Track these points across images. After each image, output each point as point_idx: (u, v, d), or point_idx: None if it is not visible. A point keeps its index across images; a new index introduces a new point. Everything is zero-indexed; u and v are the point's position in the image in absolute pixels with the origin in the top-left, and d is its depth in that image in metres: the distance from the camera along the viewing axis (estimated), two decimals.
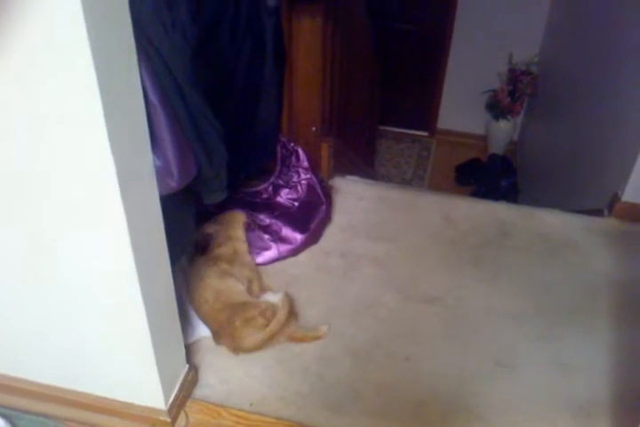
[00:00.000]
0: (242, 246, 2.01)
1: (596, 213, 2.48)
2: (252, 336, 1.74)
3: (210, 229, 2.02)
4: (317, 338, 1.83)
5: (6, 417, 1.56)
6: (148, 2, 1.13)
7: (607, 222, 2.42)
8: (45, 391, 1.61)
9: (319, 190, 2.28)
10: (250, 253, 2.04)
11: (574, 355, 1.82)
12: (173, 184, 1.28)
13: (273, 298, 1.85)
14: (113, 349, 1.47)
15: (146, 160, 1.21)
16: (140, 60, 1.09)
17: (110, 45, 0.99)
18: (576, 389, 1.72)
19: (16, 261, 1.33)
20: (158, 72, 1.18)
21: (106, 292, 1.33)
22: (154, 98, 1.16)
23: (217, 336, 1.79)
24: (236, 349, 1.76)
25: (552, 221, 2.42)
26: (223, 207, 2.09)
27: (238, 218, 2.05)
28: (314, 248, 2.22)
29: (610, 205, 2.44)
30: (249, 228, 2.07)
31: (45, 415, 1.60)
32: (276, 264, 2.13)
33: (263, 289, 1.96)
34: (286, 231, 2.16)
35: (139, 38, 1.07)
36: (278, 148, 2.22)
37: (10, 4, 0.91)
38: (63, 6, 0.90)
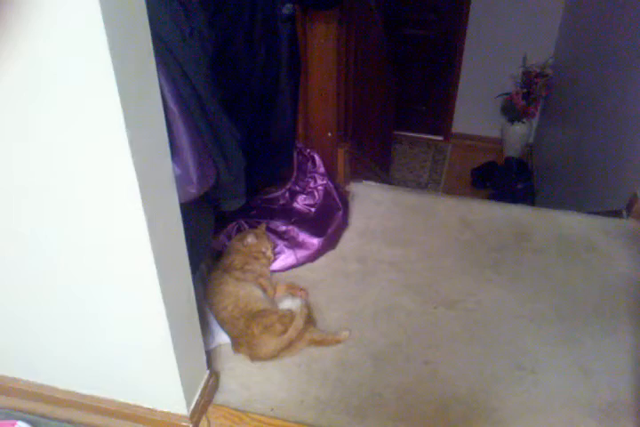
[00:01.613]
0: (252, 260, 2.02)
1: (615, 213, 2.46)
2: (269, 344, 1.74)
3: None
4: (338, 342, 1.83)
5: (31, 423, 1.58)
6: (166, 12, 1.15)
7: (626, 223, 2.40)
8: (69, 398, 1.63)
9: (336, 196, 2.29)
10: (260, 262, 2.04)
11: (595, 357, 1.81)
12: (193, 191, 1.30)
13: (291, 305, 1.85)
14: (135, 355, 1.48)
15: (166, 167, 1.22)
16: (158, 68, 1.11)
17: (129, 54, 1.01)
18: (598, 392, 1.70)
19: (37, 271, 1.35)
20: (176, 80, 1.20)
21: (128, 299, 1.34)
22: (173, 105, 1.18)
23: (236, 344, 1.80)
24: (254, 356, 1.77)
25: (570, 223, 2.41)
26: (241, 214, 2.10)
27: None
28: (331, 253, 2.23)
29: (628, 206, 2.42)
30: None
31: (69, 421, 1.62)
32: (294, 270, 2.14)
33: (278, 297, 1.97)
34: (303, 237, 2.17)
35: (157, 47, 1.08)
36: (295, 154, 2.23)
37: (28, 16, 0.93)
38: (83, 17, 0.91)
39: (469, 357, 1.82)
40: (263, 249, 2.02)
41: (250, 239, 2.00)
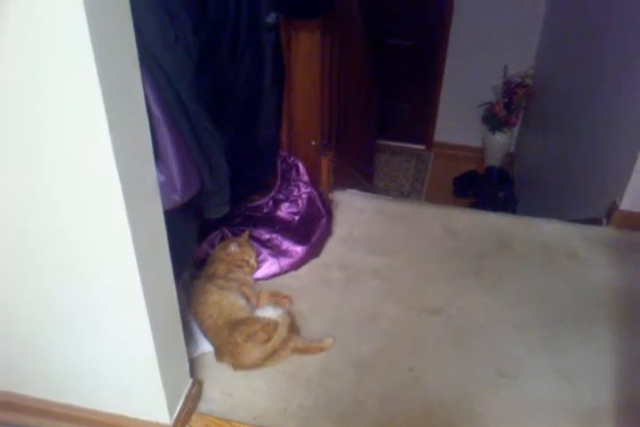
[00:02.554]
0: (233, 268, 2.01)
1: (595, 222, 2.49)
2: (252, 352, 1.74)
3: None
4: (321, 350, 1.83)
5: None
6: (151, 19, 1.15)
7: (606, 231, 2.43)
8: (50, 408, 1.60)
9: (319, 204, 2.30)
10: (243, 271, 2.03)
11: (577, 364, 1.82)
12: (177, 198, 1.30)
13: (272, 313, 1.85)
14: (117, 364, 1.47)
15: (150, 174, 1.22)
16: (143, 75, 1.11)
17: (114, 61, 1.01)
18: (579, 397, 1.72)
19: (18, 279, 1.34)
20: (161, 87, 1.20)
21: (110, 307, 1.33)
22: (157, 112, 1.18)
23: (219, 353, 1.79)
24: (237, 365, 1.76)
25: (551, 230, 2.44)
26: (225, 222, 2.10)
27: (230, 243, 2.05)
28: (315, 262, 2.23)
29: (608, 214, 2.45)
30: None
31: None
32: (278, 278, 2.14)
33: (260, 305, 1.96)
34: (287, 245, 2.17)
35: (142, 54, 1.08)
36: (278, 162, 2.23)
37: (11, 22, 0.93)
38: (69, 23, 0.91)
39: (452, 363, 1.83)
40: (246, 257, 2.01)
41: (233, 248, 2.00)
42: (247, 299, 1.90)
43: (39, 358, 1.54)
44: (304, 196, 2.26)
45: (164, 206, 1.29)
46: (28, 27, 0.94)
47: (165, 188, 1.27)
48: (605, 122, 2.80)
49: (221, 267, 1.96)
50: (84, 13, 0.90)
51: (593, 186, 2.82)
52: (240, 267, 2.00)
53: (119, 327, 1.37)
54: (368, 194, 2.83)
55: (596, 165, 2.82)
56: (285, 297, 2.00)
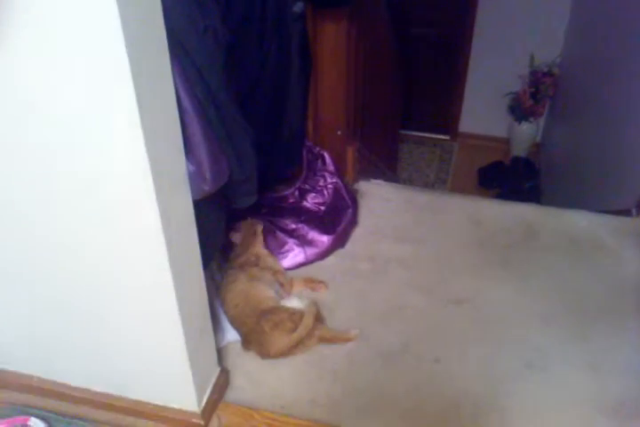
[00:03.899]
0: (262, 252, 2.02)
1: (624, 213, 2.46)
2: (279, 341, 1.75)
3: (231, 236, 2.04)
4: (348, 340, 1.83)
5: (44, 419, 1.59)
6: (181, 9, 1.15)
7: (635, 222, 2.40)
8: (81, 395, 1.64)
9: (345, 194, 2.29)
10: (273, 258, 2.04)
11: (605, 356, 1.81)
12: (206, 188, 1.30)
13: (299, 304, 1.85)
14: (147, 353, 1.49)
15: (180, 164, 1.23)
16: (172, 65, 1.11)
17: (145, 52, 1.01)
18: (608, 390, 1.70)
19: (50, 268, 1.36)
20: (190, 77, 1.20)
21: (142, 297, 1.35)
22: (186, 103, 1.18)
23: (246, 341, 1.80)
24: (264, 354, 1.77)
25: (580, 221, 2.40)
26: (251, 212, 2.10)
27: (254, 226, 2.06)
28: (341, 252, 2.23)
29: (638, 205, 2.42)
30: (268, 234, 2.08)
31: (81, 418, 1.62)
32: (304, 268, 2.14)
33: (295, 291, 1.98)
34: (313, 235, 2.17)
35: (171, 44, 1.09)
36: (304, 152, 2.23)
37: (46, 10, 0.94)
38: (101, 15, 0.92)
39: (479, 355, 1.82)
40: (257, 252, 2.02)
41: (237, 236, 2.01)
42: (281, 286, 1.91)
43: (70, 347, 1.56)
44: (330, 186, 2.25)
45: (193, 196, 1.30)
46: (58, 16, 0.94)
47: (195, 177, 1.28)
48: (634, 111, 2.75)
49: (251, 255, 1.97)
50: (115, 2, 0.90)
51: (622, 176, 2.78)
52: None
53: (149, 317, 1.38)
54: (393, 184, 2.82)
55: (625, 155, 2.78)
56: (321, 282, 2.01)
